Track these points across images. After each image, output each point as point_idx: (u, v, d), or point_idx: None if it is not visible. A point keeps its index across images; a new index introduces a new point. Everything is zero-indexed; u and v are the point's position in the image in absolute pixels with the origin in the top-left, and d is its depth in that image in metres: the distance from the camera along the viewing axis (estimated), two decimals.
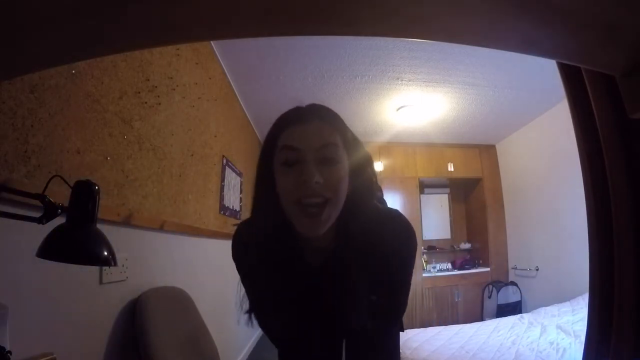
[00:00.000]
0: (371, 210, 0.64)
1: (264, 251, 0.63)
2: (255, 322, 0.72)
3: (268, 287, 0.65)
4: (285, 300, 0.65)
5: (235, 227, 0.72)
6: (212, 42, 2.10)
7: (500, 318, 2.87)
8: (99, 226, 0.67)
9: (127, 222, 1.16)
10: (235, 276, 0.72)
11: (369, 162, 0.65)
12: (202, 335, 1.42)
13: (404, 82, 2.64)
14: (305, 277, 0.66)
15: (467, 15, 0.41)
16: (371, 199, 0.65)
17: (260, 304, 0.69)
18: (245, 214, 3.14)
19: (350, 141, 0.61)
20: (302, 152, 0.56)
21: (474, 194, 4.34)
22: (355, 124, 3.51)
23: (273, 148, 0.59)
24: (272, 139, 0.60)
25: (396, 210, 0.69)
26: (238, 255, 0.71)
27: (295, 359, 0.80)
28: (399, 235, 0.64)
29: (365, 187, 0.63)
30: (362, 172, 0.63)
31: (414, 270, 0.70)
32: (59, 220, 0.66)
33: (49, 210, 0.66)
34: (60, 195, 0.72)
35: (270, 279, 0.64)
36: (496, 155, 4.19)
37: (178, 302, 1.40)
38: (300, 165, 0.56)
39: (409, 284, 0.69)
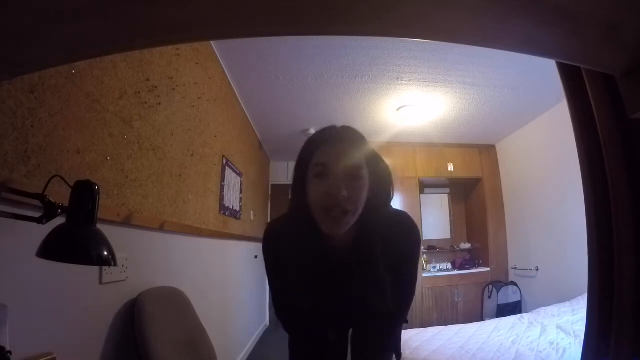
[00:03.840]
0: (385, 213, 0.76)
1: (294, 246, 0.75)
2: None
3: (294, 277, 0.75)
4: (307, 289, 0.75)
5: (266, 225, 0.84)
6: (212, 42, 2.10)
7: (500, 318, 2.87)
8: (99, 226, 0.68)
9: (127, 222, 1.16)
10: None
11: (387, 175, 0.76)
12: (200, 336, 1.42)
13: (404, 82, 2.64)
14: (328, 269, 0.75)
15: (467, 15, 0.41)
16: (387, 205, 0.77)
17: (284, 293, 0.80)
18: (245, 214, 3.14)
19: (372, 159, 0.72)
20: (333, 169, 0.67)
21: (474, 194, 4.34)
22: (355, 124, 3.48)
23: (308, 162, 0.70)
24: (308, 154, 0.71)
25: (404, 212, 0.82)
26: (268, 249, 0.82)
27: (306, 346, 0.88)
28: (407, 233, 0.77)
29: (383, 197, 0.75)
30: (381, 184, 0.74)
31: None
32: (59, 220, 0.66)
33: (49, 210, 0.67)
34: (60, 195, 0.72)
35: (297, 270, 0.75)
36: (496, 155, 4.18)
37: (176, 302, 1.40)
38: (330, 180, 0.67)
39: (416, 275, 0.81)
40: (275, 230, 0.82)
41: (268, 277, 0.84)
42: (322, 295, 0.75)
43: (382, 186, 0.74)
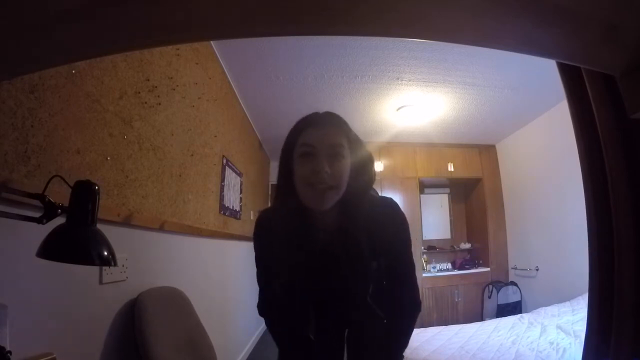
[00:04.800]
0: (368, 196, 0.79)
1: (281, 229, 0.77)
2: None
3: (281, 261, 0.77)
4: (294, 275, 0.76)
5: (258, 212, 0.88)
6: (212, 42, 2.10)
7: (500, 318, 2.87)
8: (99, 226, 0.68)
9: (127, 222, 1.16)
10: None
11: (368, 159, 0.80)
12: (200, 336, 1.42)
13: (404, 82, 2.64)
14: (313, 252, 0.77)
15: (467, 15, 0.41)
16: (368, 187, 0.81)
17: (271, 281, 0.80)
18: (245, 214, 3.14)
19: (354, 142, 0.76)
20: (316, 148, 0.71)
21: (474, 194, 4.34)
22: (355, 124, 3.46)
23: (294, 143, 0.74)
24: (294, 136, 0.75)
25: (389, 197, 0.84)
26: (258, 235, 0.84)
27: (297, 348, 0.86)
28: (391, 216, 0.80)
29: (364, 177, 0.78)
30: (362, 167, 0.77)
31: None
32: (59, 220, 0.66)
33: (49, 210, 0.67)
34: (60, 195, 0.72)
35: (284, 254, 0.76)
36: (496, 155, 4.18)
37: (176, 302, 1.40)
38: (314, 158, 0.70)
39: (409, 263, 0.82)
40: (266, 218, 0.86)
41: (256, 262, 0.85)
42: (309, 280, 0.77)
43: (365, 166, 0.78)
